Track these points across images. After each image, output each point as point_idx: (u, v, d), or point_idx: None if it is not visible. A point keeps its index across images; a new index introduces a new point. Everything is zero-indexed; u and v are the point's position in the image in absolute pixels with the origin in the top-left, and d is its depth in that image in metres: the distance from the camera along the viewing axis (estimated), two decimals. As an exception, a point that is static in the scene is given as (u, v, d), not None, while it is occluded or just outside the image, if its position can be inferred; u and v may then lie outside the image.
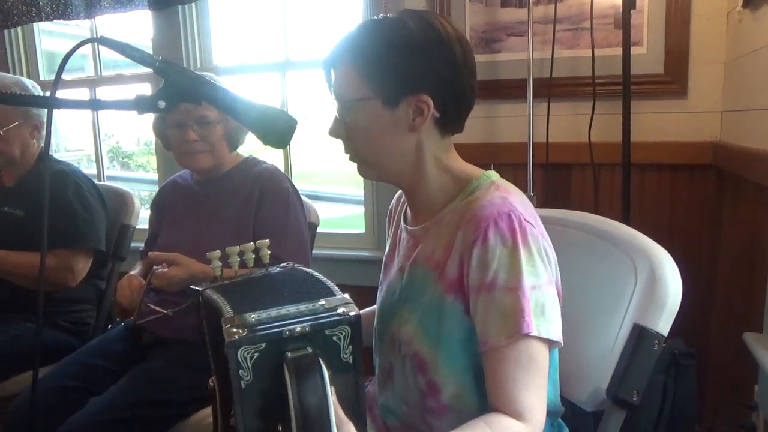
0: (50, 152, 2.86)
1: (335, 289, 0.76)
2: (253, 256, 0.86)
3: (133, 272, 1.54)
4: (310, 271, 0.85)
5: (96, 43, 0.89)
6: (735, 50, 1.67)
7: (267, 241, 0.85)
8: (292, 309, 0.70)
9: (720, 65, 1.76)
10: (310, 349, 0.67)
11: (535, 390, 0.81)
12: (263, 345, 0.66)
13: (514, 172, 1.92)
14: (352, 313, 0.70)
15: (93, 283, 1.85)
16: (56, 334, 1.73)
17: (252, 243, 0.85)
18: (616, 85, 1.74)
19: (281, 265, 0.89)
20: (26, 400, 1.43)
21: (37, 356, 0.92)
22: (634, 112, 1.71)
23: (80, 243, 1.72)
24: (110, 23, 2.60)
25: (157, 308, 1.41)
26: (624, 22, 1.64)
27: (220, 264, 0.84)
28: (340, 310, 0.70)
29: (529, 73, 1.79)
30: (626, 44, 1.65)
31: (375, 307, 1.10)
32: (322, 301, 0.71)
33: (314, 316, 0.69)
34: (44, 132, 1.81)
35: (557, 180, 1.96)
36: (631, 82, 1.67)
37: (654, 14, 1.78)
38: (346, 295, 0.74)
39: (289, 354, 0.66)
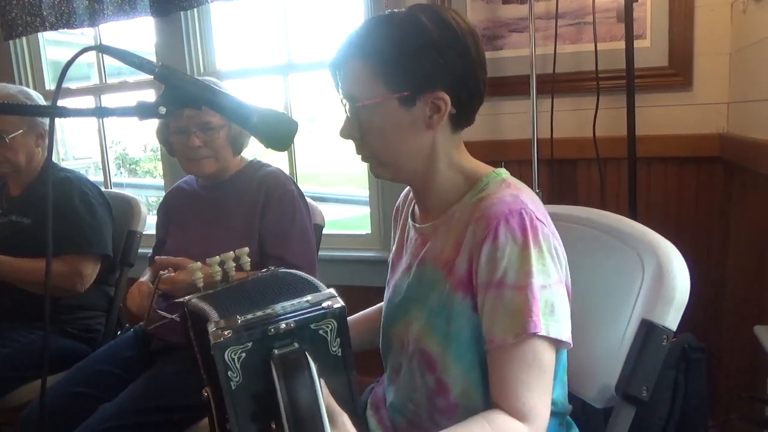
0: (58, 161, 2.89)
1: (320, 285, 0.76)
2: (234, 264, 0.85)
3: (143, 279, 1.54)
4: (294, 271, 0.84)
5: (98, 52, 0.89)
6: (740, 41, 1.65)
7: (246, 249, 0.85)
8: (278, 308, 0.69)
9: (725, 56, 1.74)
10: (296, 345, 0.67)
11: (538, 391, 0.80)
12: (250, 344, 0.66)
13: (519, 169, 1.92)
14: (336, 306, 0.69)
15: (102, 289, 1.86)
16: (66, 341, 1.74)
17: (232, 252, 0.84)
18: (620, 79, 1.73)
19: (263, 270, 0.88)
20: (37, 408, 1.44)
21: (46, 363, 0.92)
22: (639, 106, 1.69)
23: (87, 249, 1.73)
24: (114, 31, 2.61)
25: (165, 314, 1.41)
26: (627, 15, 1.63)
27: (201, 275, 0.83)
28: (325, 304, 0.70)
29: (531, 69, 1.78)
30: (629, 37, 1.63)
31: (382, 305, 1.09)
32: (308, 297, 0.71)
33: (299, 311, 0.69)
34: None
35: (563, 176, 1.95)
36: (636, 75, 1.66)
37: (657, 6, 1.77)
38: (332, 290, 0.73)
39: (276, 351, 0.66)
